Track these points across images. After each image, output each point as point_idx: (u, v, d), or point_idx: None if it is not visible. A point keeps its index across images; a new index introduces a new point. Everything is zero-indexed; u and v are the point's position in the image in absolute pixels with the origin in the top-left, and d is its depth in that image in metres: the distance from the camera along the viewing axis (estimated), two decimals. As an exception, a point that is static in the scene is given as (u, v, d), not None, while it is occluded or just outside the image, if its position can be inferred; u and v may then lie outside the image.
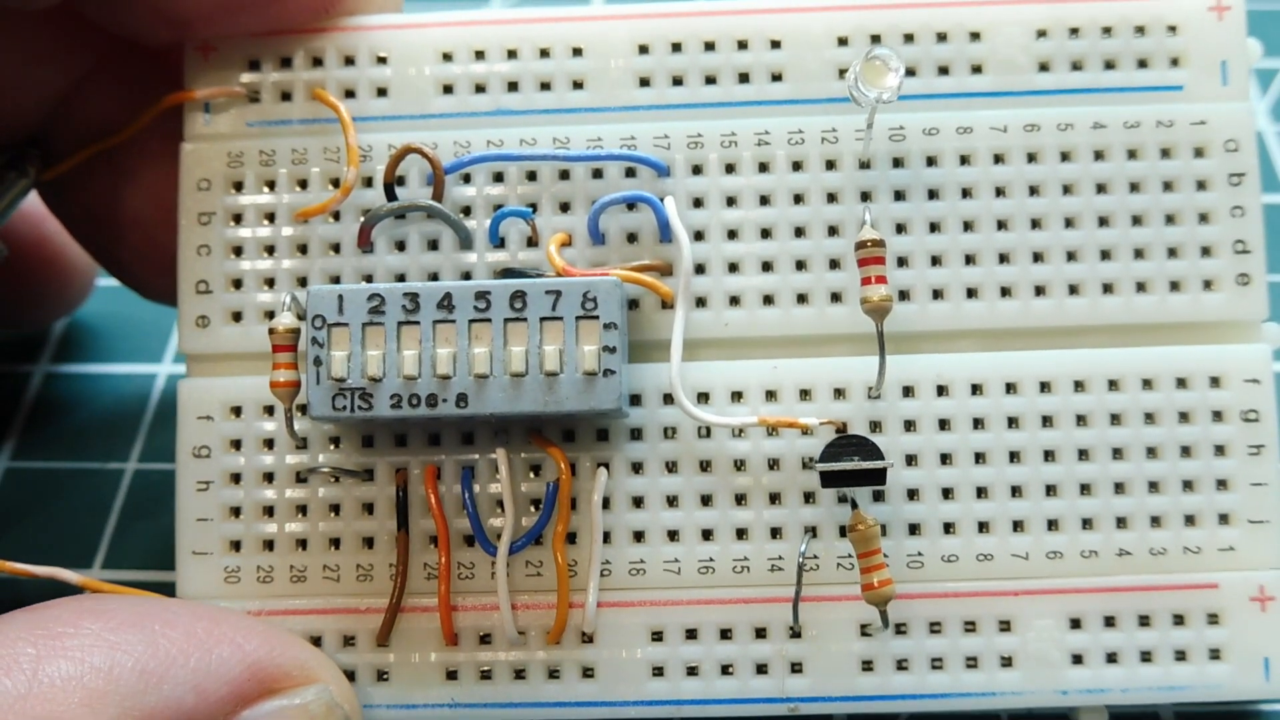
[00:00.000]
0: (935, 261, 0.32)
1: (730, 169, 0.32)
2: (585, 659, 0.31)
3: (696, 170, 0.33)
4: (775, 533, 0.32)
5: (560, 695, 0.31)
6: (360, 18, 0.34)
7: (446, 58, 0.33)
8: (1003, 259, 0.32)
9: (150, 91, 0.34)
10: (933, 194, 0.32)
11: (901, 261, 0.32)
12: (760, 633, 0.31)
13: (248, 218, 0.33)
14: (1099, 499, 0.31)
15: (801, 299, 0.32)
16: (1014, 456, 0.31)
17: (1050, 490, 0.31)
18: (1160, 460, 0.31)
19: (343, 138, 0.33)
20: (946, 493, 0.31)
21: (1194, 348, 0.32)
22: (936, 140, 0.32)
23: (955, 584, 0.31)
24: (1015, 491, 0.31)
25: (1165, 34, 0.32)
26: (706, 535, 0.32)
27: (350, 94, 0.33)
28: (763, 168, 0.32)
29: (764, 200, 0.32)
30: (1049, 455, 0.31)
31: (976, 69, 0.32)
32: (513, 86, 0.33)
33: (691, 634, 0.31)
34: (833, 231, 0.32)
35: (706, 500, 0.32)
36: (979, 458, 0.31)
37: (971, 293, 0.32)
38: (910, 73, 0.32)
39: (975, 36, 0.32)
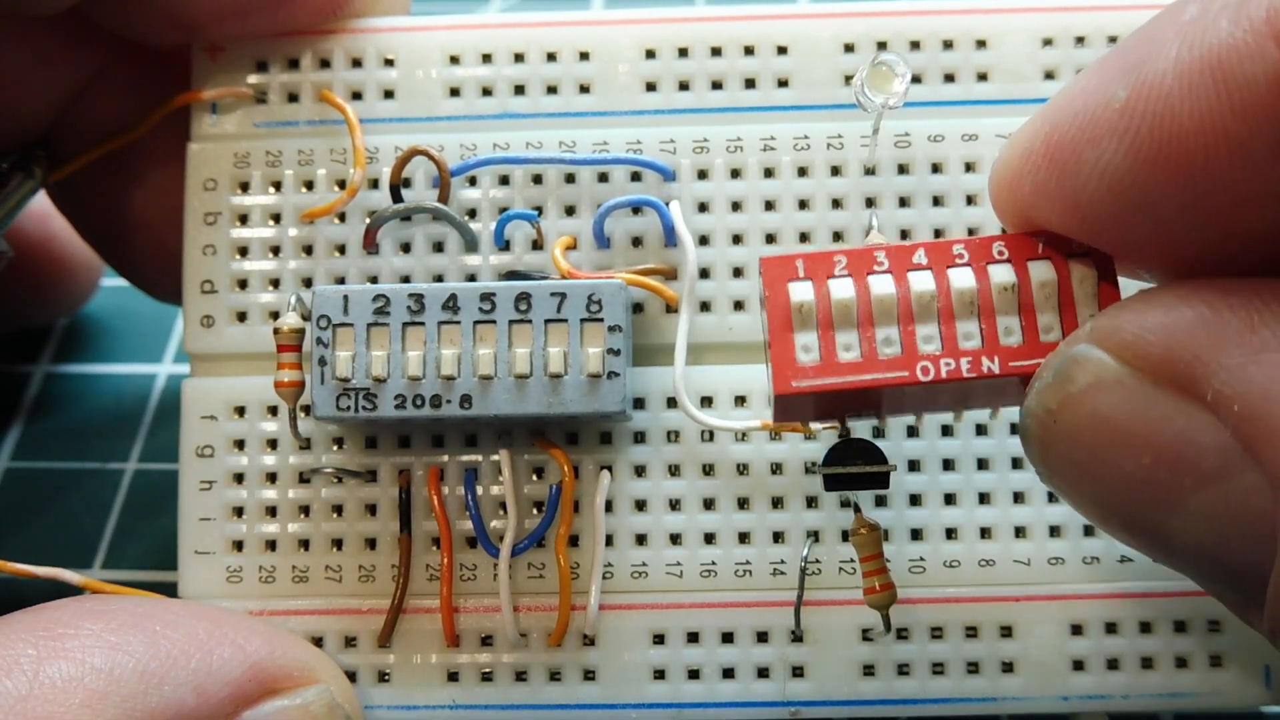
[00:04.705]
0: (939, 268, 0.32)
1: (736, 174, 0.33)
2: (587, 661, 0.31)
3: (702, 175, 0.33)
4: (778, 537, 0.32)
5: (562, 698, 0.31)
6: (368, 20, 0.34)
7: (454, 60, 0.33)
8: (1006, 266, 0.32)
9: (158, 93, 0.34)
10: (937, 200, 0.32)
11: (905, 267, 0.32)
12: (762, 636, 0.31)
13: (253, 218, 0.33)
14: (1101, 505, 0.31)
15: (806, 304, 0.32)
16: (1016, 463, 0.31)
17: (1053, 497, 0.31)
18: (1162, 467, 0.32)
19: (349, 139, 0.33)
20: (949, 498, 0.31)
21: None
22: (942, 147, 0.32)
23: (957, 589, 0.31)
24: (1018, 498, 0.31)
25: (1169, 44, 0.33)
26: (709, 539, 0.32)
27: (357, 96, 0.33)
28: (768, 173, 0.32)
29: (769, 205, 0.32)
30: (1051, 462, 0.31)
31: (982, 77, 0.33)
32: (519, 90, 0.33)
33: (693, 637, 0.31)
34: (837, 237, 0.32)
35: (709, 504, 0.32)
36: (981, 463, 0.31)
37: (975, 299, 0.32)
38: (916, 80, 0.32)
39: (981, 44, 0.33)
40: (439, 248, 0.33)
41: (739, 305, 0.32)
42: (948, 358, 0.24)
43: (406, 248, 0.33)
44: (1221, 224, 0.22)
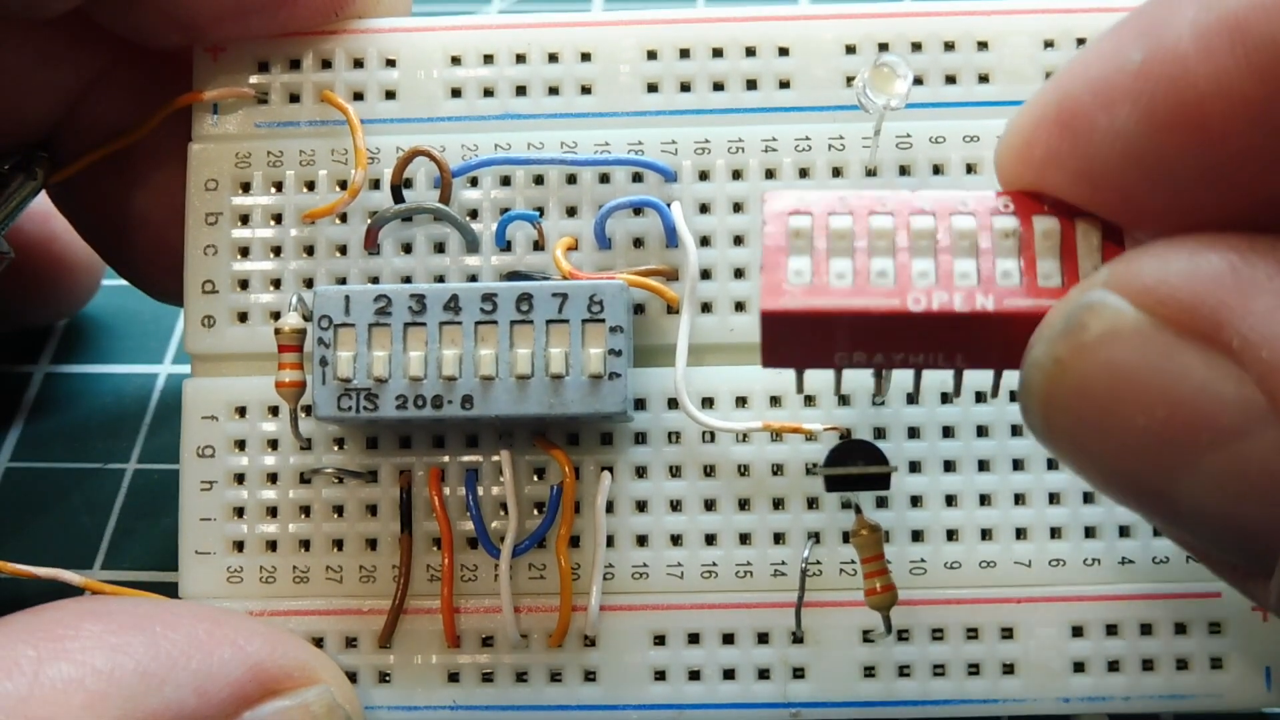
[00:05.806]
0: (940, 269, 0.32)
1: (737, 175, 0.33)
2: (587, 662, 0.31)
3: (703, 176, 0.33)
4: (778, 538, 0.32)
5: (562, 698, 0.31)
6: (369, 20, 0.34)
7: (455, 61, 0.33)
8: (1007, 267, 0.32)
9: (159, 94, 0.34)
10: (938, 202, 0.32)
11: (907, 269, 0.32)
12: (763, 638, 0.31)
13: (255, 218, 0.33)
14: (1102, 507, 0.31)
15: (807, 305, 0.32)
16: (1017, 464, 0.31)
17: (1053, 498, 0.31)
18: (1163, 469, 0.32)
19: (351, 140, 0.33)
20: (950, 499, 0.31)
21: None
22: (943, 149, 0.32)
23: (958, 590, 0.31)
24: (1018, 499, 0.31)
25: (1170, 46, 0.33)
26: (710, 540, 0.32)
27: (359, 96, 0.33)
28: (769, 174, 0.32)
29: (770, 206, 0.32)
30: (1052, 463, 0.31)
31: (984, 78, 0.33)
32: (521, 90, 0.33)
33: (694, 638, 0.31)
34: (838, 238, 0.32)
35: (710, 505, 0.32)
36: (982, 465, 0.31)
37: (976, 300, 0.32)
38: (918, 81, 0.32)
39: (983, 46, 0.33)
40: (440, 248, 0.33)
41: (740, 306, 0.32)
42: (941, 291, 0.23)
43: (408, 248, 0.33)
44: (1239, 190, 0.21)
